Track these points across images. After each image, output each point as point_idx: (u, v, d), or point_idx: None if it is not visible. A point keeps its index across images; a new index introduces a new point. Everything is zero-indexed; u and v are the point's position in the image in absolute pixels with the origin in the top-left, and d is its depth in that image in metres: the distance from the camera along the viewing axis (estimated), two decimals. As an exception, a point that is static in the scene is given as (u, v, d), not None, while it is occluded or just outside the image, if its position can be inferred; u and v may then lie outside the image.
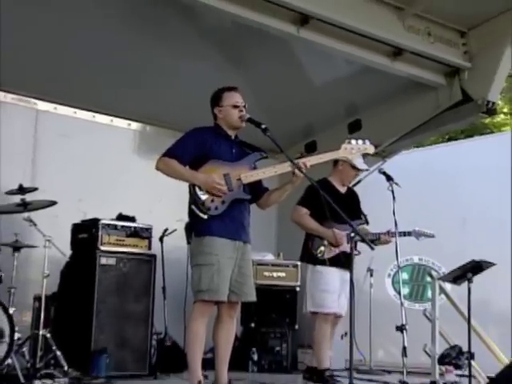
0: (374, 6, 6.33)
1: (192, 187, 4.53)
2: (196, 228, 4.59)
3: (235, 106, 4.72)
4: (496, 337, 7.05)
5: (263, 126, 4.54)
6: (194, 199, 4.53)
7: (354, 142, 4.72)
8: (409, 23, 6.54)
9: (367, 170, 6.22)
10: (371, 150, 4.77)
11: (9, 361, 5.20)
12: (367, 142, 4.74)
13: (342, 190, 6.18)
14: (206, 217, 4.51)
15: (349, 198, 6.12)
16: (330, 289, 5.91)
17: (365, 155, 4.87)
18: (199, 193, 4.51)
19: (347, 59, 6.74)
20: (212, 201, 4.52)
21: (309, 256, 6.04)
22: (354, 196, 6.28)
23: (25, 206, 5.70)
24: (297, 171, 4.50)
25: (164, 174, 4.61)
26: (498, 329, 7.72)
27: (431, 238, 6.00)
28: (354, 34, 6.26)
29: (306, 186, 5.48)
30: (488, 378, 5.87)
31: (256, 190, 4.81)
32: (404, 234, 5.73)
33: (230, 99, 4.75)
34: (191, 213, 4.58)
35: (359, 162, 5.85)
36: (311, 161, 4.63)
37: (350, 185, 6.37)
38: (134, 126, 8.09)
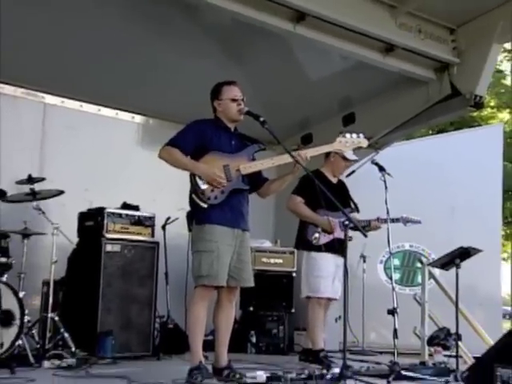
0: (367, 3, 6.31)
1: (193, 177, 4.55)
2: (197, 216, 4.61)
3: (234, 100, 4.72)
4: (482, 319, 7.10)
5: (261, 119, 4.55)
6: (194, 189, 4.55)
7: (348, 135, 4.72)
8: (401, 21, 6.53)
9: (356, 160, 6.24)
10: (365, 143, 4.78)
11: (19, 342, 5.24)
12: (361, 135, 4.75)
13: (334, 180, 6.22)
14: (205, 206, 4.52)
15: (339, 187, 6.17)
16: (324, 274, 5.94)
17: (358, 148, 4.86)
18: (200, 182, 4.52)
19: (342, 55, 6.73)
20: (212, 190, 4.54)
21: (304, 243, 6.07)
22: (344, 186, 6.33)
23: (34, 195, 5.72)
24: (300, 162, 4.52)
25: (166, 163, 4.62)
26: (483, 312, 7.76)
27: (418, 223, 6.02)
28: (348, 30, 6.24)
29: (301, 176, 5.48)
30: (474, 358, 5.90)
31: (256, 180, 4.83)
32: (393, 220, 5.76)
33: (229, 93, 4.75)
34: (192, 202, 4.59)
35: (349, 154, 5.86)
36: (308, 153, 4.65)
37: (345, 175, 6.40)
38: (138, 118, 8.07)
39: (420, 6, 6.48)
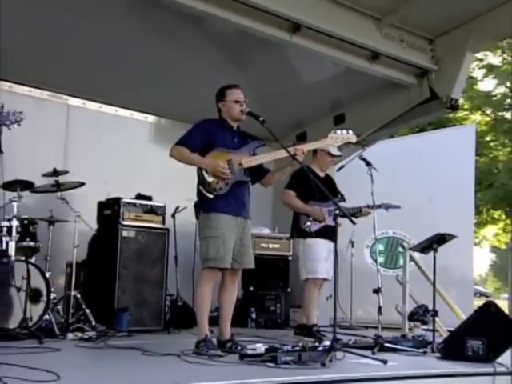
0: (355, 16, 6.33)
1: (200, 170, 4.53)
2: (203, 206, 4.59)
3: (237, 101, 4.70)
4: (456, 298, 7.10)
5: (261, 119, 4.53)
6: (201, 181, 4.53)
7: (339, 131, 4.69)
8: (385, 31, 6.53)
9: (341, 155, 6.22)
10: (354, 139, 4.74)
11: (46, 317, 5.29)
12: (350, 132, 4.70)
13: (322, 174, 6.20)
14: (211, 196, 4.51)
15: (327, 181, 6.15)
16: (319, 257, 5.94)
17: (348, 143, 4.83)
18: (206, 175, 4.51)
19: (333, 62, 6.72)
20: (217, 182, 4.52)
21: (298, 232, 6.06)
22: (331, 180, 6.32)
23: (58, 187, 5.71)
24: (297, 157, 4.51)
25: (176, 160, 4.60)
26: (457, 291, 7.76)
27: (398, 208, 6.05)
28: (339, 40, 6.25)
29: (292, 172, 5.45)
30: (448, 331, 5.90)
31: (258, 172, 4.81)
32: (377, 206, 5.77)
33: (233, 95, 4.72)
34: (199, 193, 4.58)
35: (334, 150, 5.84)
36: (305, 147, 4.65)
37: (336, 169, 6.40)
38: (151, 118, 8.03)
39: (402, 19, 6.49)
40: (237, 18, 5.71)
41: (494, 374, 4.35)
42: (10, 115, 4.32)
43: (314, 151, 6.02)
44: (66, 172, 5.90)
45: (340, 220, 4.57)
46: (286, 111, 7.79)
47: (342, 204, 5.86)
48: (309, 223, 5.88)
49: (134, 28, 6.05)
